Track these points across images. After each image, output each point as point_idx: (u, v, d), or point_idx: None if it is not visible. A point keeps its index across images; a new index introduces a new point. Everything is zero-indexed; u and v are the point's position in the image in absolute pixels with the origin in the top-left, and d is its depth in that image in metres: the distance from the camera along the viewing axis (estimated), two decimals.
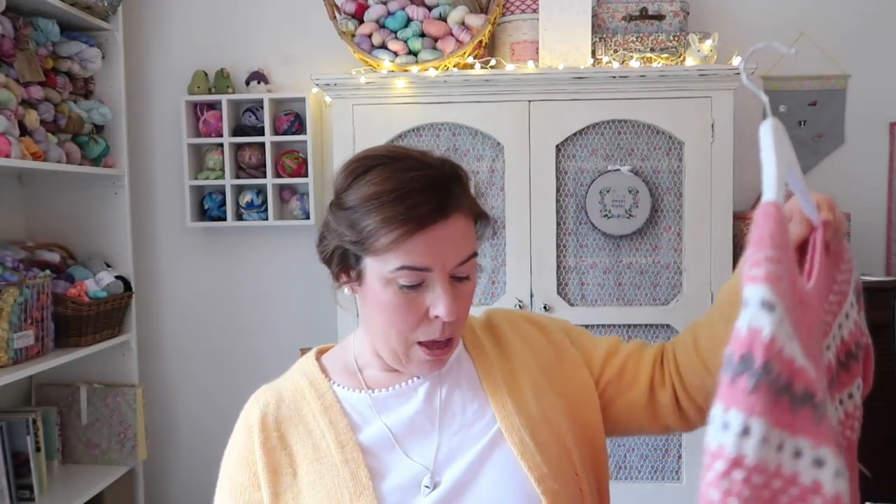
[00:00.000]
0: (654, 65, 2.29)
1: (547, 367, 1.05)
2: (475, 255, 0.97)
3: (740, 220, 2.46)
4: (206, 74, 2.73)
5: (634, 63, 2.29)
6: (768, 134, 0.63)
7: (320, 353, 1.11)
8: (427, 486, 0.94)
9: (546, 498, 0.92)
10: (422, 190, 0.90)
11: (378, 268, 0.93)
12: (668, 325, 2.30)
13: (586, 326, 2.28)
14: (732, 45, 2.44)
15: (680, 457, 2.31)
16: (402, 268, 0.91)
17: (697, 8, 2.58)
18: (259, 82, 2.71)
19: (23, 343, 2.16)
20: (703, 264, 2.28)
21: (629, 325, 2.30)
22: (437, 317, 0.93)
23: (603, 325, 2.31)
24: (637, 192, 2.28)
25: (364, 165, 0.95)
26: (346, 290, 0.99)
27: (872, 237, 2.68)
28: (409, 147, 1.05)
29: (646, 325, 2.30)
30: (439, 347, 0.96)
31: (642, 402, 1.05)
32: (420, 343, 0.95)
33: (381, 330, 0.96)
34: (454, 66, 2.33)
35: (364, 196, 0.92)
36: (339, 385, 1.04)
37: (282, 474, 0.96)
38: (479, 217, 0.99)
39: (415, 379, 1.02)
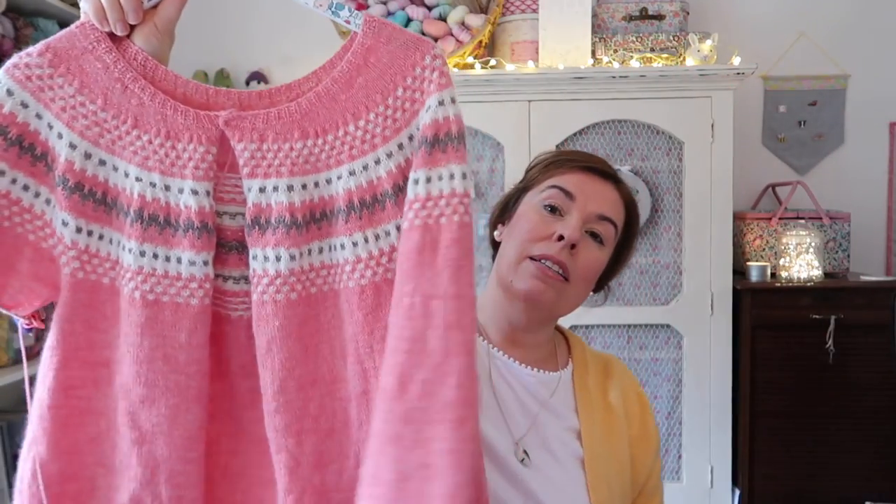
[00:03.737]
0: (654, 65, 2.29)
1: (634, 439, 1.08)
2: (616, 228, 1.06)
3: (740, 220, 2.46)
4: (206, 74, 2.73)
5: (634, 63, 2.29)
6: None
7: None
8: (524, 457, 1.00)
9: None
10: (594, 157, 1.11)
11: (532, 196, 1.07)
12: (668, 325, 2.30)
13: (586, 326, 2.29)
14: (732, 45, 2.43)
15: (680, 457, 2.31)
16: (553, 186, 1.05)
17: (697, 8, 2.58)
18: (259, 82, 2.71)
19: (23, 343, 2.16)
20: (703, 264, 2.28)
21: (629, 325, 2.30)
22: (560, 238, 1.00)
23: (603, 325, 2.31)
24: (637, 191, 2.28)
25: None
26: (495, 235, 1.12)
27: (872, 237, 2.68)
28: None
29: (646, 325, 2.30)
30: (548, 269, 1.00)
31: None
32: (532, 258, 1.00)
33: (508, 248, 1.05)
34: (454, 67, 2.33)
35: (541, 159, 1.12)
36: None
37: None
38: (630, 215, 1.10)
39: (528, 367, 1.06)
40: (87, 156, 0.75)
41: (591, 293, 1.11)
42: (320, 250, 0.76)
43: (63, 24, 2.44)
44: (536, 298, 1.01)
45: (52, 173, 0.75)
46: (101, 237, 0.76)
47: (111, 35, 0.76)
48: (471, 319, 0.72)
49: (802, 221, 2.41)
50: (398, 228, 0.74)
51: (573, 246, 1.00)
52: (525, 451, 0.99)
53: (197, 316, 0.75)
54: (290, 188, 0.75)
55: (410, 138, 0.75)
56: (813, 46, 2.65)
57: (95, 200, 0.76)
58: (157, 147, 0.75)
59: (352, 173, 0.75)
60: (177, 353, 0.75)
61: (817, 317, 2.21)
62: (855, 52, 2.66)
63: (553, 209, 1.04)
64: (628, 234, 1.11)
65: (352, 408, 0.77)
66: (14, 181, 0.74)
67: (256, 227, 0.76)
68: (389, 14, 2.38)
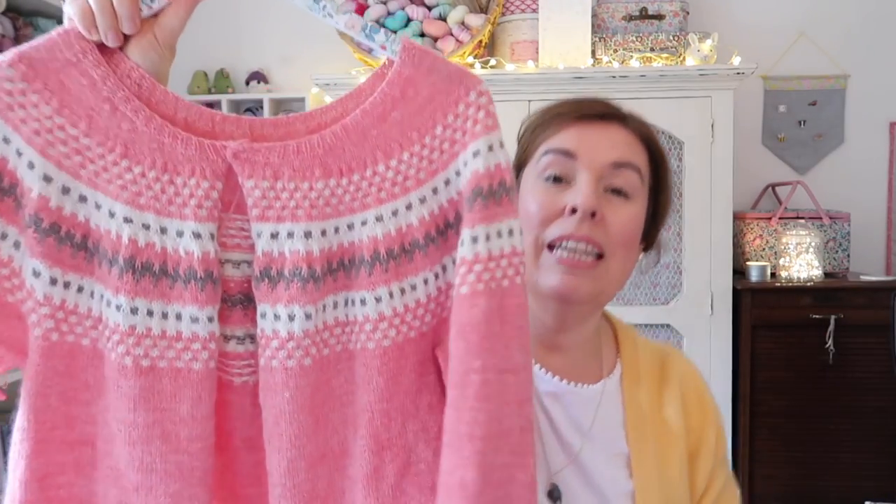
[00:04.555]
0: (654, 65, 2.29)
1: (691, 454, 0.91)
2: (640, 172, 0.87)
3: (740, 220, 2.46)
4: (206, 74, 2.73)
5: (634, 63, 2.29)
6: None
7: None
8: (552, 490, 0.85)
9: None
10: (585, 100, 0.91)
11: (529, 172, 0.90)
12: (668, 325, 2.30)
13: None
14: (732, 45, 2.43)
15: None
16: (549, 151, 0.87)
17: (697, 8, 2.58)
18: (259, 82, 2.71)
19: None
20: (703, 264, 2.28)
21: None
22: (573, 211, 0.82)
23: None
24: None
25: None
26: None
27: (872, 237, 2.68)
28: None
29: (646, 325, 2.30)
30: (573, 254, 0.82)
31: None
32: (550, 246, 0.84)
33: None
34: None
35: (528, 124, 0.95)
36: None
37: None
38: (652, 150, 0.90)
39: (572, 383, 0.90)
40: (65, 190, 0.62)
41: (641, 254, 0.93)
42: (335, 305, 0.65)
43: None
44: (569, 296, 0.84)
45: (21, 211, 0.62)
46: (80, 289, 0.63)
47: (101, 46, 0.63)
48: (532, 388, 0.64)
49: (802, 221, 2.41)
50: (425, 282, 0.65)
51: (593, 214, 0.82)
52: (556, 486, 0.85)
53: (201, 383, 0.63)
54: (307, 235, 0.64)
55: (447, 183, 0.65)
56: (813, 46, 2.65)
57: (73, 245, 0.63)
58: (151, 181, 0.63)
59: (379, 219, 0.65)
60: (178, 428, 0.63)
61: (817, 317, 2.21)
62: (855, 52, 2.66)
63: (556, 179, 0.86)
64: (658, 172, 0.91)
65: (358, 490, 0.66)
66: None
67: (266, 280, 0.64)
68: (389, 14, 2.38)
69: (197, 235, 0.63)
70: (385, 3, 2.39)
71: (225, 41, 2.79)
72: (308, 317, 0.64)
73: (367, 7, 2.40)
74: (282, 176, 0.64)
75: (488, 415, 0.62)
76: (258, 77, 2.72)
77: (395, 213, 0.65)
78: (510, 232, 0.64)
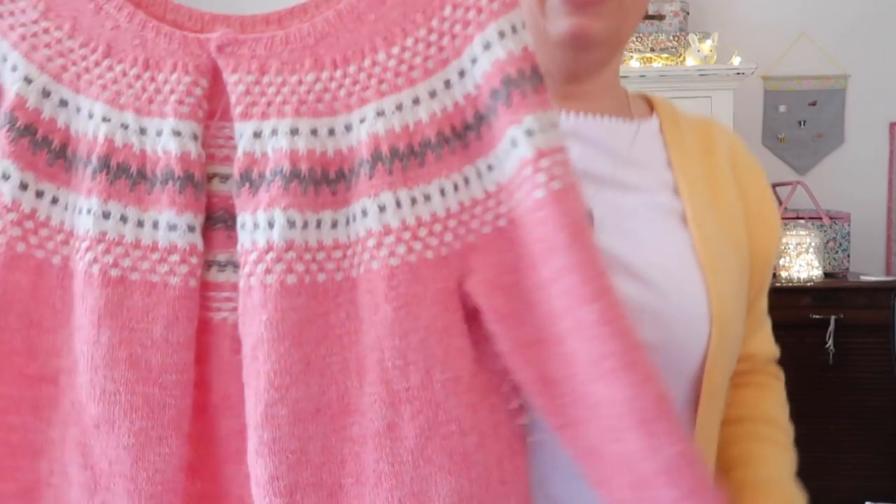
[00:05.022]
0: (654, 65, 2.29)
1: (752, 215, 0.79)
2: None
3: None
4: None
5: (634, 63, 2.29)
6: None
7: None
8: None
9: (717, 322, 0.68)
10: None
11: None
12: None
13: None
14: (732, 45, 2.44)
15: None
16: None
17: (697, 8, 2.58)
18: None
19: None
20: None
21: None
22: None
23: None
24: None
25: None
26: None
27: (872, 237, 2.68)
28: None
29: None
30: None
31: None
32: None
33: None
34: None
35: None
36: None
37: None
38: None
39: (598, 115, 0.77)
40: (46, 93, 0.58)
41: None
42: (334, 223, 0.56)
43: None
44: (583, 39, 0.72)
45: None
46: (54, 200, 0.58)
47: None
48: None
49: (802, 221, 2.41)
50: (442, 192, 0.55)
51: None
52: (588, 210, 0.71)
53: (178, 301, 0.55)
54: (293, 132, 0.56)
55: (461, 74, 0.56)
56: (813, 46, 2.65)
57: (51, 152, 0.58)
58: (132, 79, 0.58)
59: (380, 114, 0.55)
60: (148, 353, 0.55)
61: (817, 317, 2.21)
62: (855, 52, 2.66)
63: None
64: None
65: (367, 453, 0.54)
66: None
67: (247, 184, 0.56)
68: None
69: (177, 133, 0.57)
70: None
71: None
72: (291, 224, 0.54)
73: None
74: (268, 69, 0.57)
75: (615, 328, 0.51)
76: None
77: (399, 108, 0.56)
78: (552, 124, 0.54)
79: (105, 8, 0.59)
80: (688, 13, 2.43)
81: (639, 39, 2.33)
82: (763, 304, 0.84)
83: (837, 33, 2.66)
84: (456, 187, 0.55)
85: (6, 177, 0.57)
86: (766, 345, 0.88)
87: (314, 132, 0.56)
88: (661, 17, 2.38)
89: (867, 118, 2.68)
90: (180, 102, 0.57)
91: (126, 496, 0.54)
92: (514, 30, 0.54)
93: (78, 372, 0.56)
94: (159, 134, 0.57)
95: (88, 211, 0.56)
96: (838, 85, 2.69)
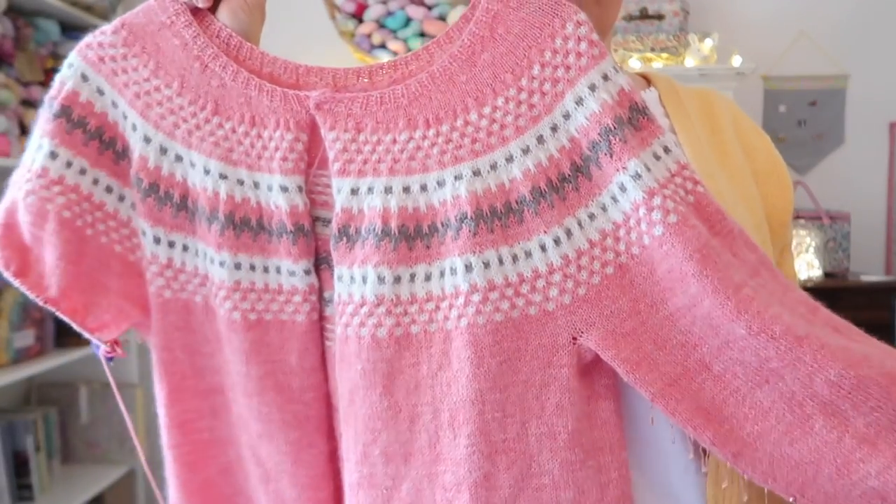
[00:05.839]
0: (654, 65, 2.30)
1: (761, 174, 0.79)
2: None
3: None
4: None
5: (634, 63, 2.29)
6: None
7: None
8: None
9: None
10: None
11: None
12: None
13: None
14: (732, 45, 2.44)
15: None
16: None
17: (697, 8, 2.58)
18: None
19: (23, 343, 2.16)
20: None
21: None
22: None
23: None
24: None
25: None
26: None
27: (872, 237, 2.68)
28: None
29: None
30: None
31: None
32: None
33: None
34: None
35: None
36: None
37: None
38: None
39: None
40: (163, 150, 0.63)
41: None
42: (428, 276, 0.58)
43: (63, 23, 2.44)
44: None
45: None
46: (185, 248, 0.64)
47: (193, 9, 0.64)
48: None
49: (802, 221, 2.41)
50: (542, 248, 0.56)
51: None
52: None
53: (305, 334, 0.63)
54: (387, 190, 0.58)
55: (553, 129, 0.57)
56: (813, 46, 2.65)
57: (174, 205, 0.63)
58: (241, 136, 0.62)
59: (476, 173, 0.57)
60: (289, 379, 0.63)
61: None
62: (855, 52, 2.66)
63: None
64: None
65: (460, 501, 0.57)
66: (96, 181, 0.63)
67: (344, 239, 0.60)
68: (389, 14, 2.38)
69: (284, 189, 0.61)
70: (385, 3, 2.40)
71: None
72: (381, 280, 0.57)
73: (367, 7, 2.40)
74: (364, 128, 0.60)
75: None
76: None
77: (493, 167, 0.57)
78: (666, 150, 0.55)
79: (211, 66, 0.62)
80: (688, 13, 2.43)
81: (639, 39, 2.33)
82: (788, 264, 0.82)
83: (837, 33, 2.66)
84: (557, 241, 0.56)
85: (143, 233, 0.64)
86: None
87: (406, 189, 0.58)
88: (661, 17, 2.38)
89: (867, 118, 2.68)
90: (284, 159, 0.61)
91: (291, 486, 0.65)
92: (605, 78, 0.56)
93: (236, 393, 0.65)
94: (270, 189, 0.62)
95: (221, 263, 0.63)
96: (838, 85, 2.69)
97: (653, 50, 2.32)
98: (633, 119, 0.55)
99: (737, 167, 0.76)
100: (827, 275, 2.36)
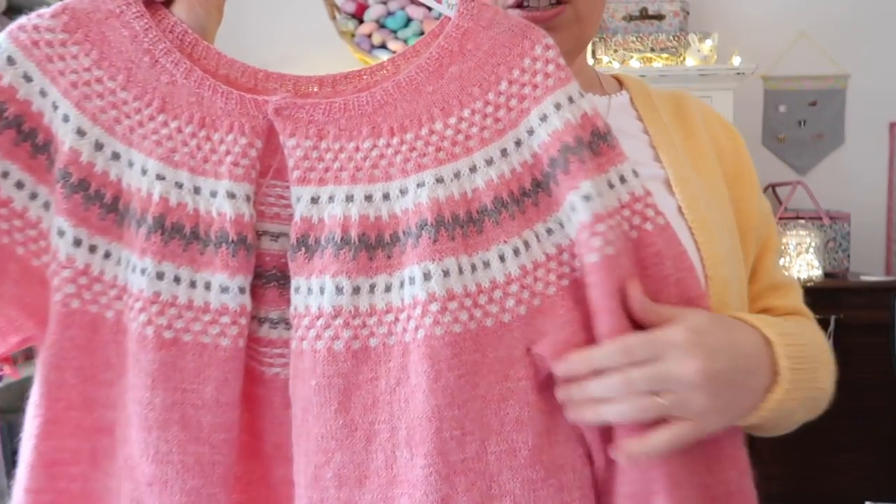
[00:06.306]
0: (654, 65, 2.30)
1: (730, 178, 0.79)
2: None
3: None
4: None
5: (634, 63, 2.29)
6: None
7: None
8: None
9: (713, 284, 0.68)
10: None
11: None
12: None
13: None
14: (732, 45, 2.43)
15: None
16: None
17: (697, 8, 2.58)
18: None
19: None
20: None
21: None
22: None
23: None
24: None
25: None
26: None
27: (872, 237, 2.68)
28: None
29: None
30: (537, 6, 0.70)
31: None
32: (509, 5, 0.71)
33: None
34: None
35: None
36: None
37: None
38: None
39: None
40: (99, 146, 0.58)
41: None
42: (388, 287, 0.56)
43: None
44: None
45: (53, 169, 0.58)
46: (106, 255, 0.58)
47: (146, 1, 0.61)
48: None
49: (802, 221, 2.41)
50: (501, 258, 0.55)
51: None
52: None
53: (228, 362, 0.56)
54: (348, 198, 0.57)
55: (517, 143, 0.58)
56: (813, 46, 2.65)
57: (103, 206, 0.58)
58: (187, 137, 0.58)
59: (439, 181, 0.56)
60: (200, 414, 0.56)
61: (817, 317, 2.19)
62: (855, 52, 2.66)
63: None
64: None
65: None
66: (6, 175, 0.57)
67: (303, 249, 0.57)
68: (390, 14, 2.38)
69: (231, 195, 0.57)
70: (385, 3, 2.40)
71: (224, 41, 2.78)
72: (339, 290, 0.55)
73: (367, 7, 2.40)
74: (326, 135, 0.58)
75: None
76: None
77: (457, 175, 0.57)
78: (622, 179, 0.57)
79: (162, 62, 0.59)
80: (688, 13, 2.43)
81: (639, 39, 2.33)
82: (768, 263, 0.82)
83: (837, 33, 2.66)
84: (516, 251, 0.56)
85: (61, 233, 0.57)
86: (788, 301, 0.83)
87: (368, 198, 0.57)
88: (661, 17, 2.38)
89: (867, 118, 2.68)
90: (235, 164, 0.57)
91: None
92: (570, 100, 0.57)
93: (131, 428, 0.56)
94: (214, 195, 0.58)
95: (143, 271, 0.57)
96: (838, 85, 2.69)
97: (653, 50, 2.32)
98: (593, 143, 0.56)
99: (708, 170, 0.76)
100: (827, 275, 2.36)
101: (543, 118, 0.57)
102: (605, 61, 2.32)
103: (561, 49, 0.69)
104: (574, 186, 0.55)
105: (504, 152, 0.58)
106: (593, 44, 2.32)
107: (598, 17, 0.79)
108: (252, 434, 0.59)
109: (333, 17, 2.37)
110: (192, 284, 0.57)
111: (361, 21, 2.40)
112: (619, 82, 0.85)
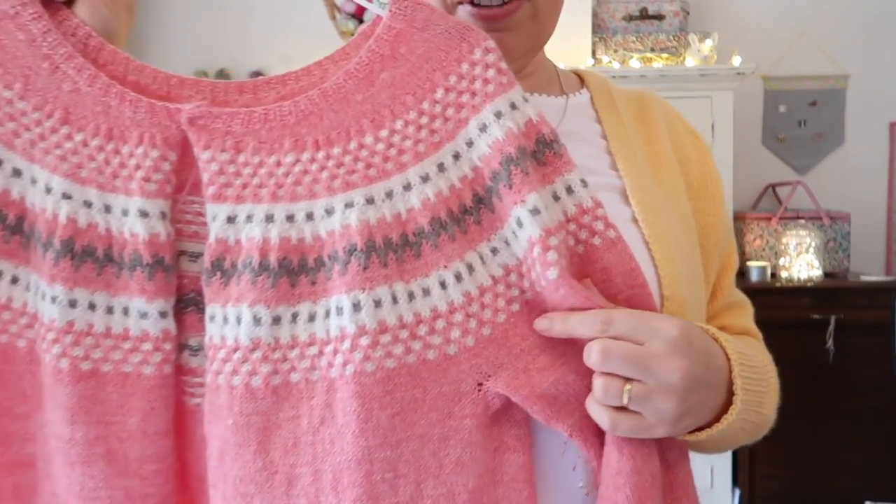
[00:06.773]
0: (654, 65, 2.30)
1: (694, 188, 0.74)
2: None
3: (740, 221, 2.46)
4: (207, 74, 2.73)
5: (634, 63, 2.29)
6: None
7: None
8: None
9: (669, 305, 0.62)
10: None
11: None
12: None
13: None
14: (732, 45, 2.43)
15: None
16: None
17: (697, 8, 2.58)
18: None
19: None
20: None
21: None
22: None
23: None
24: None
25: None
26: None
27: (872, 237, 2.68)
28: None
29: None
30: (490, 5, 0.63)
31: None
32: (460, 4, 0.65)
33: None
34: None
35: None
36: None
37: None
38: None
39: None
40: None
41: None
42: (311, 317, 0.51)
43: None
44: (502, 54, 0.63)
45: None
46: (14, 280, 0.53)
47: (44, 1, 0.55)
48: None
49: (802, 221, 2.41)
50: (442, 285, 0.51)
51: None
52: None
53: (154, 390, 0.52)
54: (268, 218, 0.52)
55: (456, 157, 0.53)
56: (813, 46, 2.65)
57: (6, 227, 0.53)
58: (94, 151, 0.53)
59: (370, 201, 0.52)
60: (125, 446, 0.52)
61: (817, 317, 2.21)
62: (855, 52, 2.66)
63: None
64: None
65: None
66: None
67: (218, 274, 0.52)
68: None
69: (143, 214, 0.52)
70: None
71: (224, 41, 2.79)
72: (257, 321, 0.50)
73: (365, 8, 2.40)
74: (245, 148, 0.53)
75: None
76: (258, 77, 2.72)
77: (389, 195, 0.52)
78: (569, 190, 0.52)
79: (63, 68, 0.53)
80: (688, 13, 2.43)
81: (639, 39, 2.33)
82: (727, 282, 0.78)
83: (837, 33, 2.66)
84: (458, 277, 0.51)
85: None
86: (740, 322, 0.79)
87: (290, 218, 0.52)
88: (661, 17, 2.38)
89: (867, 118, 2.68)
90: (147, 179, 0.52)
91: None
92: (513, 107, 0.53)
93: (53, 464, 0.53)
94: (125, 213, 0.53)
95: (53, 299, 0.52)
96: (838, 85, 2.69)
97: (653, 50, 2.32)
98: (538, 152, 0.52)
99: (670, 179, 0.71)
100: (827, 275, 2.37)
101: (483, 128, 0.52)
102: (605, 61, 2.32)
103: (517, 51, 0.66)
104: (519, 200, 0.51)
105: (441, 167, 0.53)
106: (593, 44, 2.32)
107: (557, 15, 0.74)
108: (179, 464, 0.55)
109: (333, 17, 2.37)
110: (109, 310, 0.53)
111: (361, 21, 2.40)
112: (581, 79, 0.80)
